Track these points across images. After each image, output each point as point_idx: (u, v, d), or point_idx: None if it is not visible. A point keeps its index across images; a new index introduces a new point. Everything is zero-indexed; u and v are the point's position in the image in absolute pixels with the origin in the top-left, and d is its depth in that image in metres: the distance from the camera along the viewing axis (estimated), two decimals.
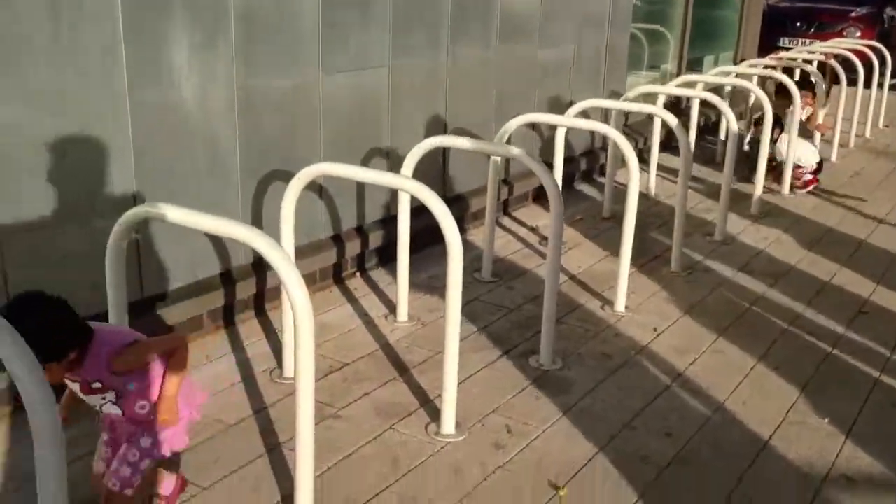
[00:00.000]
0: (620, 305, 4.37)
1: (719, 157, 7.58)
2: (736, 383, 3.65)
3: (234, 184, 3.93)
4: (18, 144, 3.07)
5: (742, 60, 9.24)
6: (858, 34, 12.67)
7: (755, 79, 7.33)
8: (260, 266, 4.09)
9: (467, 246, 3.11)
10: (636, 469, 3.01)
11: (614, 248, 4.71)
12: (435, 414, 3.27)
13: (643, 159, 6.30)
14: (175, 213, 2.61)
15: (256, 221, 4.04)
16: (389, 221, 4.75)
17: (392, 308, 4.25)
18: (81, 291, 3.25)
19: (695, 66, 9.15)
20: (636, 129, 7.41)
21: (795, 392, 3.59)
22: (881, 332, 4.20)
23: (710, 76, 7.20)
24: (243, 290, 4.02)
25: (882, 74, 9.10)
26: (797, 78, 7.80)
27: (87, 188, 3.34)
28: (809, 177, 6.81)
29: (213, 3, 3.65)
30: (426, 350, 3.84)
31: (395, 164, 4.73)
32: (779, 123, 6.52)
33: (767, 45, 11.00)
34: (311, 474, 2.52)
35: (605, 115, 6.50)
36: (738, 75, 7.22)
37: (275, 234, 2.95)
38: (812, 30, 13.21)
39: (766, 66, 7.67)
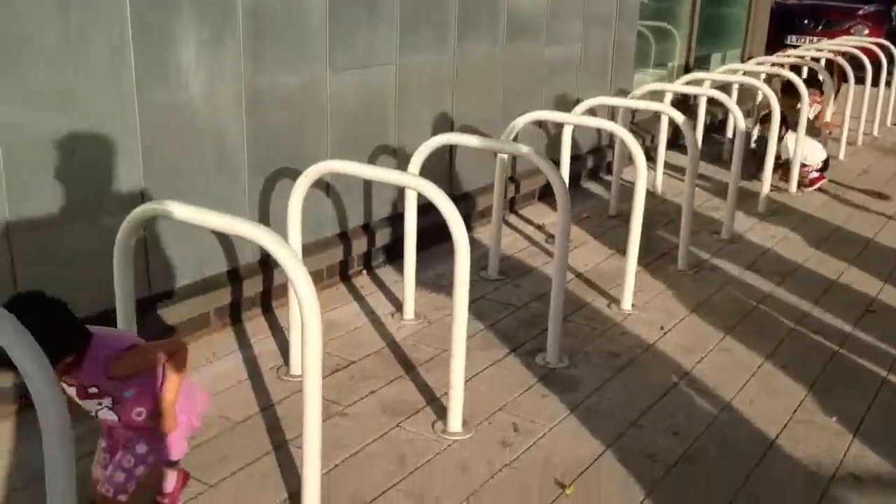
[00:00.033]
0: (627, 304, 4.37)
1: (726, 156, 7.56)
2: (743, 382, 3.64)
3: (241, 181, 3.94)
4: (28, 143, 3.08)
5: (749, 58, 9.22)
6: (866, 32, 12.63)
7: (762, 76, 7.32)
8: (267, 263, 4.09)
9: (474, 244, 3.11)
10: (643, 467, 3.00)
11: (621, 246, 4.70)
12: (441, 412, 3.27)
13: (650, 157, 6.30)
14: (183, 211, 2.61)
15: (263, 219, 4.04)
16: (396, 219, 4.75)
17: (398, 306, 4.26)
18: (89, 288, 3.28)
19: (702, 63, 9.13)
20: (643, 126, 7.39)
21: (803, 391, 3.59)
22: (889, 330, 4.18)
23: (717, 74, 7.18)
24: (250, 287, 4.03)
25: (890, 72, 9.08)
26: (805, 76, 7.78)
27: (95, 186, 3.35)
28: (815, 175, 6.79)
29: (221, 0, 3.66)
30: (433, 348, 3.84)
31: (402, 162, 4.73)
32: (785, 121, 6.50)
33: (775, 43, 10.97)
34: (319, 472, 2.52)
35: (611, 113, 6.49)
36: (745, 73, 7.21)
37: (282, 232, 2.95)
38: (820, 27, 13.18)
39: (773, 64, 7.65)
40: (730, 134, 7.78)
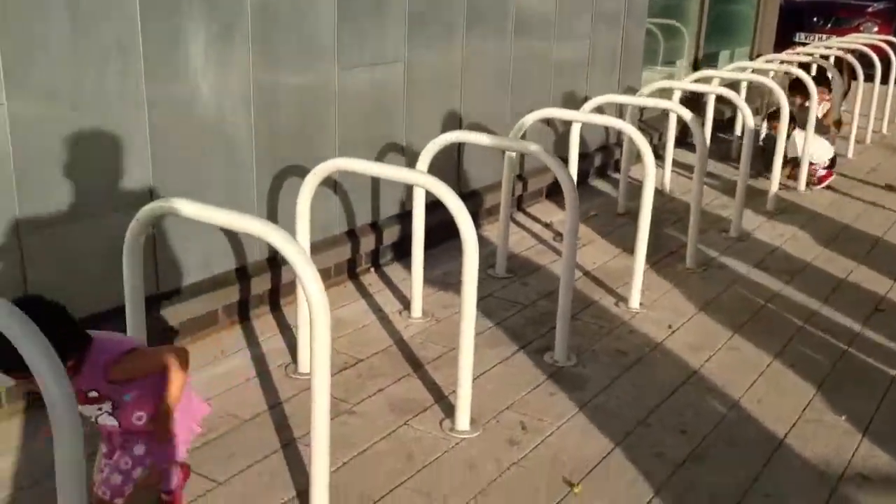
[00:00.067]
0: (635, 302, 4.36)
1: (734, 154, 7.54)
2: (751, 381, 3.63)
3: (249, 179, 3.94)
4: (38, 141, 3.09)
5: (758, 56, 9.19)
6: (875, 29, 12.58)
7: (771, 74, 7.29)
8: (275, 261, 4.10)
9: (481, 242, 3.11)
10: (651, 466, 3.00)
11: (629, 245, 4.70)
12: (449, 410, 3.27)
13: (658, 155, 6.28)
14: (191, 209, 2.61)
15: (272, 217, 4.05)
16: (404, 217, 4.75)
17: (406, 304, 4.26)
18: (98, 286, 3.29)
19: (710, 61, 9.10)
20: (651, 124, 7.38)
21: (811, 390, 3.58)
22: None
23: (726, 71, 7.16)
24: (258, 285, 4.03)
25: None
26: (813, 73, 7.75)
27: (104, 184, 3.36)
28: (823, 172, 6.77)
29: None
30: (440, 346, 3.84)
31: (410, 160, 4.73)
32: (791, 119, 6.48)
33: (784, 41, 10.93)
34: (327, 470, 2.52)
35: (619, 111, 6.48)
36: (754, 71, 7.18)
37: (290, 230, 2.95)
38: (829, 25, 13.13)
39: (782, 62, 7.63)
40: (738, 132, 7.76)
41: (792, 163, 6.70)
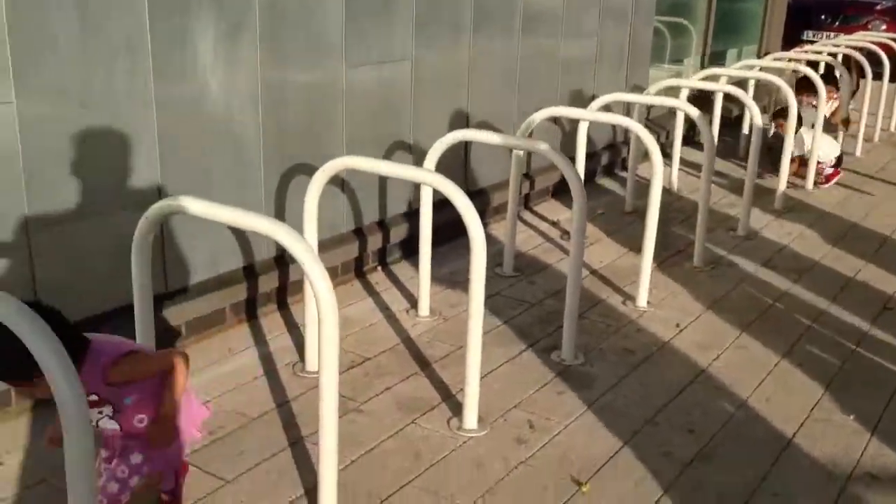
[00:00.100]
0: (642, 301, 4.35)
1: (741, 152, 7.53)
2: (759, 380, 3.63)
3: (257, 177, 3.95)
4: (46, 139, 3.10)
5: (766, 54, 9.16)
6: (884, 27, 12.53)
7: (788, 71, 7.27)
8: (282, 259, 4.10)
9: (489, 240, 3.10)
10: (659, 465, 3.00)
11: (636, 243, 4.69)
12: (457, 408, 3.27)
13: (665, 154, 6.25)
14: (200, 207, 2.61)
15: (279, 215, 4.05)
16: (411, 215, 4.75)
17: (413, 302, 4.26)
18: (106, 285, 3.30)
19: (718, 59, 9.09)
20: (658, 123, 7.36)
21: (820, 389, 3.57)
22: None
23: (733, 69, 7.14)
24: (266, 283, 4.04)
25: None
26: (821, 71, 7.72)
27: (112, 182, 3.36)
28: (830, 171, 6.75)
29: None
30: (448, 345, 3.84)
31: (418, 158, 4.73)
32: (798, 117, 6.46)
33: (791, 39, 10.90)
34: (335, 468, 2.52)
35: (626, 109, 6.47)
36: (762, 69, 7.16)
37: (298, 228, 2.95)
38: (837, 23, 13.08)
39: (790, 60, 7.60)
40: (745, 130, 7.74)
41: (797, 161, 6.68)
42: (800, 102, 6.62)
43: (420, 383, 3.51)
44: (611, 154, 6.83)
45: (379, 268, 4.74)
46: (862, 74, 8.06)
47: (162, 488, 2.53)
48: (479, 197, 5.26)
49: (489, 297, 4.16)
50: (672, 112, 6.94)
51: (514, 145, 4.36)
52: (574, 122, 5.68)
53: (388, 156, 4.65)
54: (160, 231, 3.50)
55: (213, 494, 2.75)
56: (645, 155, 5.45)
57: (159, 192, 3.48)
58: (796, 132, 6.52)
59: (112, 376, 2.20)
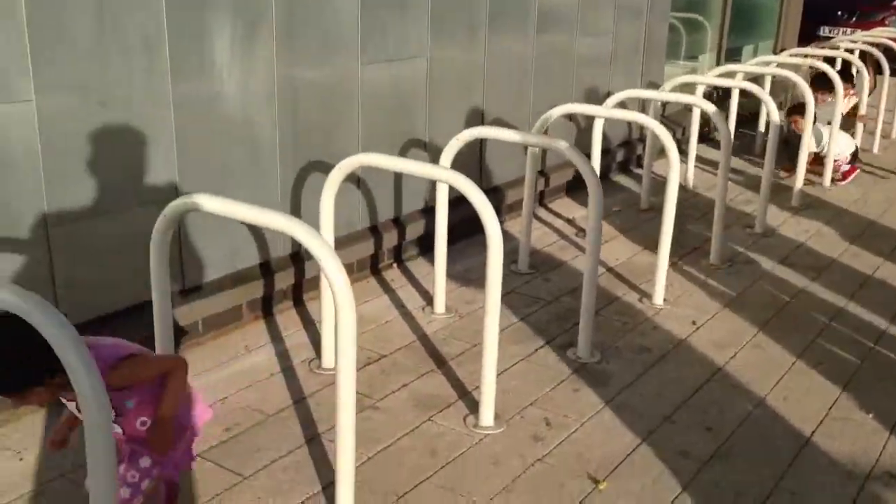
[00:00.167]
0: (659, 298, 4.34)
1: (758, 149, 7.49)
2: (777, 378, 3.61)
3: (273, 175, 3.95)
4: (65, 136, 3.11)
5: (782, 50, 9.10)
6: None
7: (804, 68, 7.23)
8: (298, 257, 4.11)
9: (504, 238, 3.09)
10: (676, 463, 2.99)
11: (652, 241, 4.67)
12: (473, 406, 3.27)
13: (681, 150, 6.23)
14: (218, 205, 2.62)
15: (295, 212, 4.06)
16: (426, 213, 4.75)
17: (429, 299, 4.26)
18: (124, 281, 3.31)
19: (734, 55, 9.03)
20: (673, 119, 7.33)
21: (838, 387, 3.54)
22: None
23: (750, 66, 7.11)
24: (282, 280, 4.05)
25: None
26: (838, 68, 7.67)
27: (130, 180, 3.38)
28: (847, 167, 6.70)
29: None
30: (463, 342, 3.83)
31: (433, 156, 4.73)
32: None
33: (808, 35, 10.83)
34: (352, 465, 2.53)
35: (641, 106, 6.44)
36: (778, 65, 7.12)
37: (314, 225, 2.95)
38: (853, 19, 12.99)
39: (806, 56, 7.55)
40: (762, 127, 7.70)
41: (812, 157, 6.63)
42: (815, 99, 6.57)
43: (436, 380, 3.51)
44: (626, 151, 6.81)
45: (394, 265, 4.74)
46: (879, 71, 7.99)
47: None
48: (493, 194, 5.25)
49: (505, 295, 4.14)
50: (687, 109, 6.91)
51: (533, 143, 4.33)
52: (589, 119, 5.66)
53: (402, 153, 4.65)
54: (177, 228, 3.51)
55: (229, 490, 2.76)
56: (660, 152, 5.43)
57: (176, 190, 3.49)
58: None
59: (112, 380, 2.16)
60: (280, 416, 3.21)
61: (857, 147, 6.85)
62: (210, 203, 2.62)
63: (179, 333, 3.56)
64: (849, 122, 7.10)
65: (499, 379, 3.22)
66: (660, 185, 4.63)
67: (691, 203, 6.04)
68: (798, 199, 6.08)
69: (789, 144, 6.59)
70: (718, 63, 8.36)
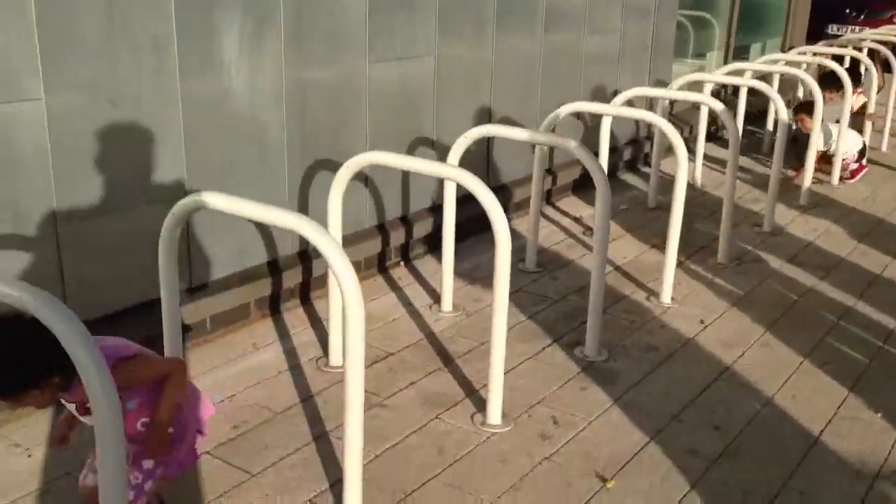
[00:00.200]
0: (666, 297, 4.33)
1: (766, 147, 7.47)
2: (785, 377, 3.60)
3: (281, 173, 3.96)
4: (74, 134, 3.12)
5: (790, 48, 9.08)
6: None
7: (804, 66, 7.20)
8: (305, 255, 4.12)
9: (511, 236, 3.09)
10: (684, 462, 2.98)
11: (660, 239, 4.67)
12: (480, 404, 3.27)
13: (689, 149, 6.22)
14: (226, 203, 2.62)
15: (303, 211, 4.06)
16: (434, 211, 4.75)
17: (436, 297, 4.26)
18: (132, 279, 3.32)
19: (741, 53, 9.02)
20: (681, 118, 7.32)
21: (846, 386, 3.53)
22: None
23: (758, 64, 7.09)
24: (289, 278, 4.05)
25: None
26: (846, 66, 7.64)
27: (138, 178, 3.38)
28: (855, 166, 6.68)
29: None
30: (471, 340, 3.83)
31: (440, 154, 4.73)
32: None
33: (816, 33, 10.80)
34: (360, 462, 2.53)
35: (649, 104, 6.43)
36: (786, 63, 7.10)
37: (321, 224, 2.95)
38: (862, 17, 12.95)
39: (815, 54, 7.53)
40: (770, 125, 7.68)
41: (819, 155, 6.60)
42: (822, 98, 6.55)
43: (444, 379, 3.52)
44: (634, 149, 6.80)
45: (402, 263, 4.74)
46: (887, 69, 7.96)
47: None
48: (500, 192, 5.25)
49: (512, 293, 4.13)
50: (695, 107, 6.90)
51: (541, 141, 4.33)
52: (597, 118, 5.65)
53: (410, 151, 4.65)
54: (185, 227, 3.52)
55: (237, 488, 2.77)
56: (668, 150, 5.42)
57: (184, 188, 3.49)
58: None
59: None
60: (288, 414, 3.21)
61: (864, 144, 6.83)
62: (218, 201, 2.63)
63: (187, 331, 3.56)
64: (857, 121, 7.07)
65: (506, 377, 3.22)
66: (667, 183, 4.62)
67: (699, 201, 6.03)
68: (806, 198, 6.07)
69: (797, 143, 6.57)
70: (726, 61, 8.35)
